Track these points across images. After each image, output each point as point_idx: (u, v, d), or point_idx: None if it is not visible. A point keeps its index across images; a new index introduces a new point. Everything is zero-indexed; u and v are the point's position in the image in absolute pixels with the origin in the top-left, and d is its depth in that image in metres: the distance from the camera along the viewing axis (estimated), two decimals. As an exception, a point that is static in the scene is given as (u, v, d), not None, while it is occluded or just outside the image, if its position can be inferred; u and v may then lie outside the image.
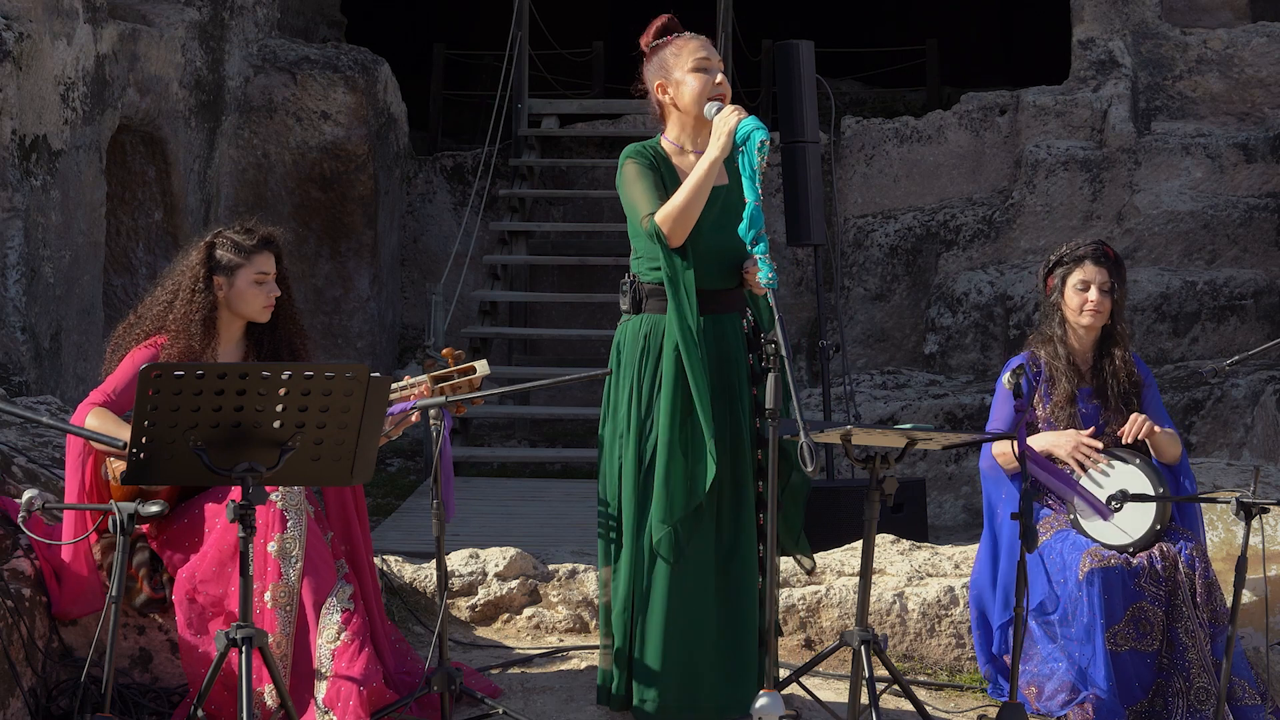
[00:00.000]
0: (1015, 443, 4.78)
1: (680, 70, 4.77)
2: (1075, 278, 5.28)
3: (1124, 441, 5.15)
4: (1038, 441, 5.20)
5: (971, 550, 5.63)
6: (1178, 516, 5.18)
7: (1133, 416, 5.17)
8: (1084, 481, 5.12)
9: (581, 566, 5.68)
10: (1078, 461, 5.14)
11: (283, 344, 4.86)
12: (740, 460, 4.76)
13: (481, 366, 4.70)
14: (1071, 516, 5.14)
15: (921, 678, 5.44)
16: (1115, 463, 5.12)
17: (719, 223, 4.72)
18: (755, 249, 4.48)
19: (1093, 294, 5.26)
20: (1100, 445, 5.15)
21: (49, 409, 6.50)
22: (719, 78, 4.75)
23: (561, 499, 9.95)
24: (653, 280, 4.77)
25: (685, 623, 4.68)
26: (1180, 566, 5.00)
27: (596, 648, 4.95)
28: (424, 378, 4.69)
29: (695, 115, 4.77)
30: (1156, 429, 5.17)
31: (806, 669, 4.78)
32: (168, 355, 4.69)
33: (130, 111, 9.93)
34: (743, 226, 4.48)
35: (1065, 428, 5.24)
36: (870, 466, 4.46)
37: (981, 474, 5.34)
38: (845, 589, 5.59)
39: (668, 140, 4.85)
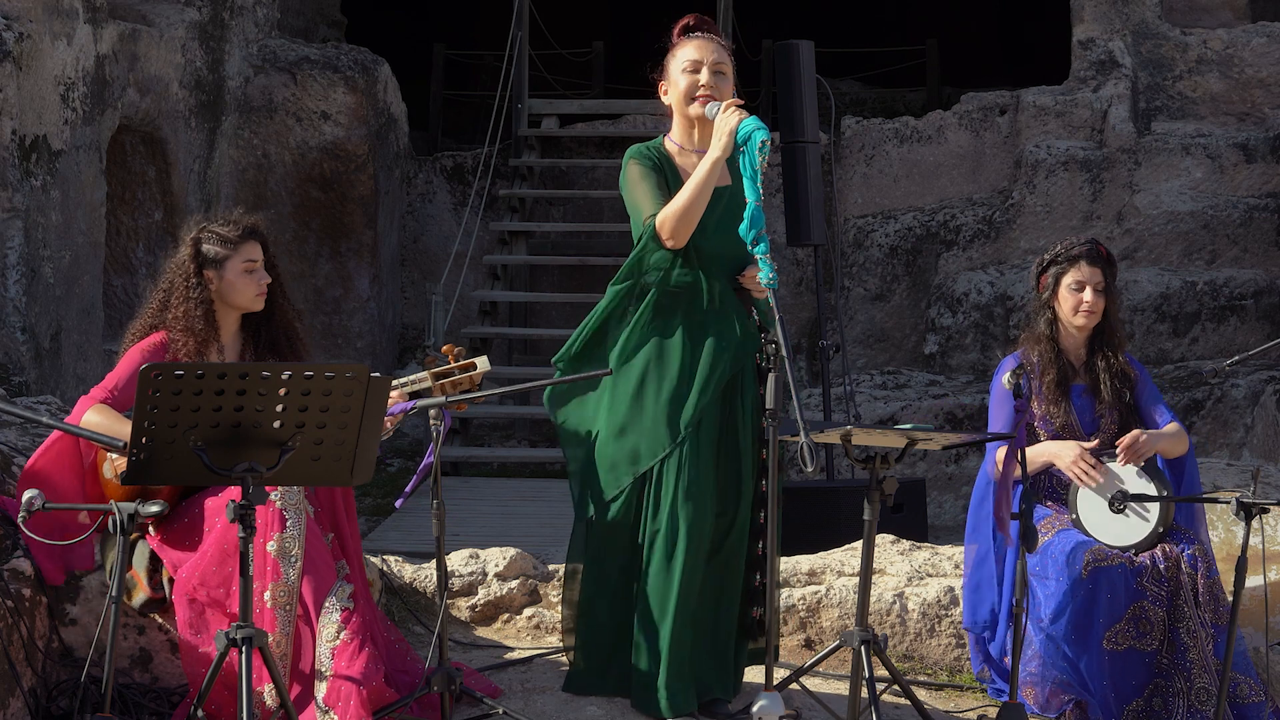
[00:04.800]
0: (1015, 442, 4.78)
1: (674, 71, 4.89)
2: (1069, 278, 5.27)
3: (1122, 463, 5.11)
4: (1040, 449, 5.19)
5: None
6: (1178, 516, 5.18)
7: (1127, 438, 5.12)
8: (1084, 490, 5.12)
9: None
10: (1077, 475, 5.13)
11: (280, 333, 4.88)
12: (738, 457, 4.78)
13: (482, 363, 4.70)
14: (1073, 516, 5.14)
15: (921, 678, 5.43)
16: (1114, 469, 5.11)
17: (723, 223, 4.75)
18: (756, 249, 4.49)
19: (1087, 294, 5.25)
20: (1096, 460, 5.13)
21: (49, 409, 6.49)
22: (703, 77, 4.81)
23: (561, 499, 9.91)
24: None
25: (676, 617, 4.70)
26: (1183, 566, 5.00)
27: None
28: (425, 374, 4.69)
29: (684, 114, 4.86)
30: (1153, 443, 5.13)
31: (806, 669, 4.78)
32: (175, 354, 4.70)
33: (130, 111, 9.93)
34: (743, 227, 4.50)
35: (1061, 424, 5.24)
36: (870, 466, 4.46)
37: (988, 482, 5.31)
38: (845, 589, 5.59)
39: (671, 140, 4.91)
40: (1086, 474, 5.10)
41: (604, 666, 4.87)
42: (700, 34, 4.91)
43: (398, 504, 4.78)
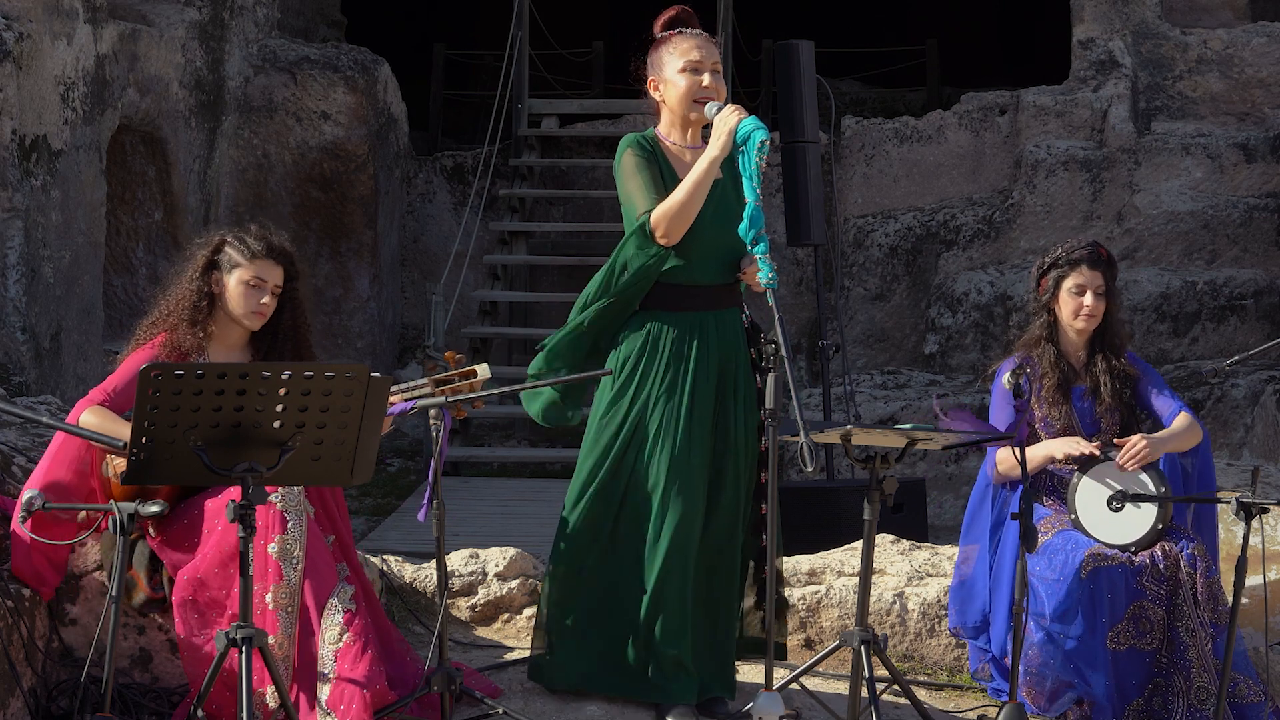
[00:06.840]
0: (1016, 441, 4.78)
1: (671, 69, 4.79)
2: (1070, 282, 5.25)
3: (1125, 467, 5.09)
4: (1037, 447, 5.19)
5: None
6: (1184, 517, 5.17)
7: (1129, 443, 5.11)
8: (1086, 483, 5.11)
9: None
10: (1070, 453, 5.12)
11: (287, 357, 4.84)
12: (733, 453, 4.77)
13: (483, 370, 4.68)
14: (1072, 516, 5.14)
15: (921, 678, 5.43)
16: (1115, 464, 5.10)
17: (717, 218, 4.73)
18: (755, 249, 4.49)
19: (1088, 298, 5.24)
20: (1095, 447, 5.13)
21: (49, 409, 6.49)
22: (706, 80, 4.76)
23: (561, 499, 9.93)
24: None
25: (668, 612, 4.70)
26: (1182, 565, 5.00)
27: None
28: (425, 380, 4.67)
29: (682, 115, 4.81)
30: (1157, 450, 5.10)
31: (806, 669, 4.78)
32: (165, 348, 4.69)
33: (130, 111, 9.93)
34: (743, 227, 4.50)
35: (1063, 427, 5.24)
36: (870, 466, 4.46)
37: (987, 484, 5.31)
38: (845, 589, 5.59)
39: (661, 135, 4.87)
40: (1079, 449, 5.08)
41: (573, 659, 4.85)
42: (691, 30, 4.82)
43: (420, 516, 4.71)
